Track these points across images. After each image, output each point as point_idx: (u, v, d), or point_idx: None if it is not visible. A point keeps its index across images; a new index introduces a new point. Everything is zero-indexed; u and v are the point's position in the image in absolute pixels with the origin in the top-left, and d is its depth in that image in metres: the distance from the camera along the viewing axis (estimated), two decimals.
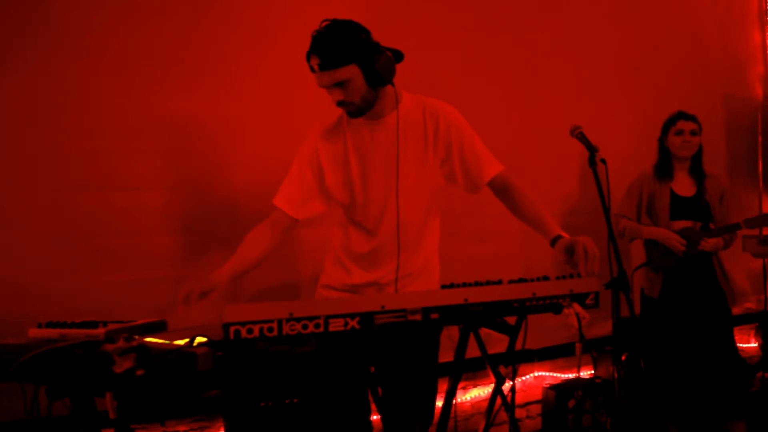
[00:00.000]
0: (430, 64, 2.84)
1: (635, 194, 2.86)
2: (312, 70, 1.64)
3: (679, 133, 2.80)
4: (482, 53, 3.05)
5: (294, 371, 1.55)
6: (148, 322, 1.78)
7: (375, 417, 1.91)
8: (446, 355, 1.89)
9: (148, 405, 1.30)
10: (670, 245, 2.72)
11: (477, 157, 1.78)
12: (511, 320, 1.82)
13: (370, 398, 1.88)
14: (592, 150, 1.98)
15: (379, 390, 1.87)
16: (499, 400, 2.10)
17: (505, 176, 1.81)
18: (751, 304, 3.93)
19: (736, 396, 2.76)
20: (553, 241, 1.65)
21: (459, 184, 1.83)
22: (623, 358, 2.85)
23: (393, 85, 1.73)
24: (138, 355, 1.25)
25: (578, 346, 2.92)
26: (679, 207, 2.80)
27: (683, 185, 2.84)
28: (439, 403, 1.88)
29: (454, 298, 1.44)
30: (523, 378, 3.18)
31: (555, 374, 3.24)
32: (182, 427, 2.38)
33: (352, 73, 1.61)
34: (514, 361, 1.83)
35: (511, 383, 1.88)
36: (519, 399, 3.14)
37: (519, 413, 3.15)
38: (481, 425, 2.20)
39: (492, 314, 1.49)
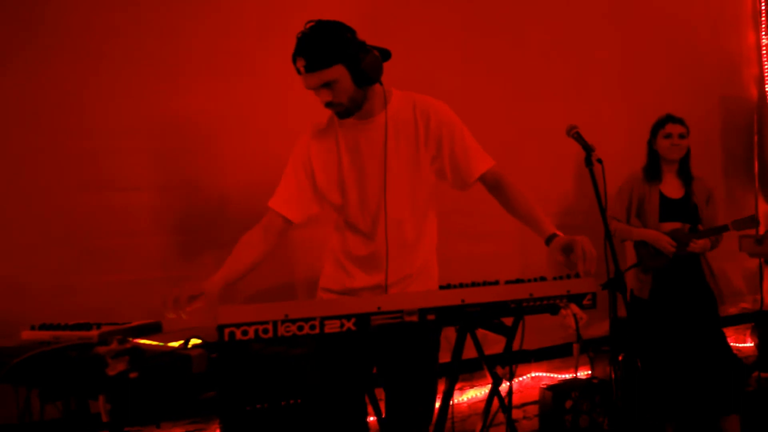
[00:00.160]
0: (429, 64, 2.85)
1: (625, 196, 2.90)
2: (298, 72, 1.62)
3: (668, 136, 2.84)
4: (480, 53, 3.05)
5: (289, 373, 1.55)
6: (143, 324, 1.77)
7: (371, 418, 1.90)
8: (443, 356, 1.88)
9: (142, 407, 1.29)
10: (661, 246, 2.76)
11: (467, 154, 1.76)
12: (508, 321, 1.82)
13: (367, 400, 1.87)
14: (588, 150, 1.97)
15: (376, 391, 1.86)
16: (496, 401, 2.10)
17: (496, 172, 1.79)
18: (747, 304, 3.93)
19: (729, 392, 2.78)
20: (548, 240, 1.64)
21: (448, 180, 1.81)
22: (620, 358, 2.85)
23: (381, 83, 1.71)
24: (131, 357, 1.24)
25: (576, 347, 2.92)
26: (668, 209, 2.84)
27: (672, 187, 2.89)
28: (437, 404, 1.87)
29: (451, 298, 1.43)
30: (520, 378, 3.18)
31: (552, 375, 3.24)
32: (178, 430, 2.36)
33: (338, 73, 1.59)
34: (511, 362, 1.82)
35: (509, 384, 1.87)
36: (516, 400, 3.14)
37: (516, 414, 3.14)
38: (478, 426, 2.20)
39: (489, 315, 1.47)
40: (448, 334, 1.95)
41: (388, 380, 1.78)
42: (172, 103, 2.42)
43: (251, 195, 2.43)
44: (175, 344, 1.48)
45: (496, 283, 1.52)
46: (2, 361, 1.41)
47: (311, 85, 1.62)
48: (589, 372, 3.23)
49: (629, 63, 3.49)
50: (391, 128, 1.73)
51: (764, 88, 4.07)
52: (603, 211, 1.96)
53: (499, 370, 2.03)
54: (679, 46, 3.69)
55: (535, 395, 3.14)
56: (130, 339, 1.50)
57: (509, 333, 1.77)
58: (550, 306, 1.52)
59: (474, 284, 1.50)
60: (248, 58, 2.53)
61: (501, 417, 2.10)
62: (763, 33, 4.06)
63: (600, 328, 3.06)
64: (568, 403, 2.93)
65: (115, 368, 1.20)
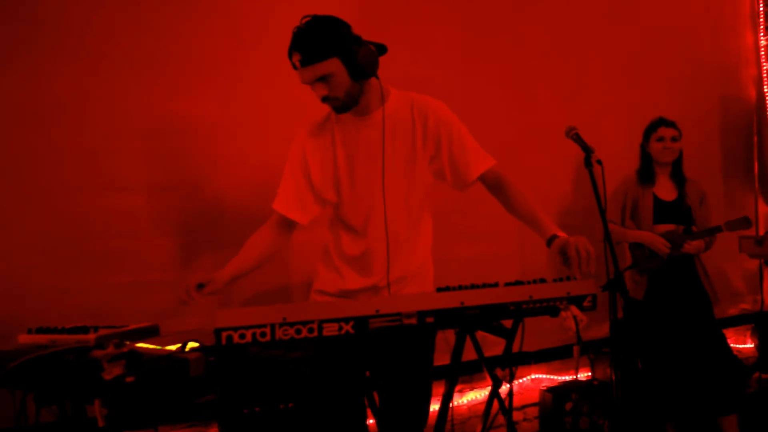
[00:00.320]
0: (428, 64, 2.84)
1: (619, 199, 2.91)
2: (294, 67, 1.62)
3: (661, 139, 2.87)
4: (479, 53, 3.04)
5: (288, 376, 1.54)
6: (140, 327, 1.77)
7: (371, 421, 1.89)
8: (443, 358, 1.87)
9: (139, 412, 1.28)
10: (656, 248, 2.78)
11: (466, 153, 1.75)
12: (508, 323, 1.81)
13: (366, 403, 1.86)
14: (587, 151, 1.96)
15: (374, 394, 1.85)
16: (496, 403, 2.09)
17: (497, 171, 1.78)
18: (747, 305, 3.93)
19: (727, 392, 2.79)
20: (549, 241, 1.62)
21: (447, 180, 1.80)
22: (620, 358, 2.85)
23: (378, 78, 1.70)
24: (128, 361, 1.23)
25: (576, 349, 2.92)
26: (662, 211, 2.87)
27: (665, 190, 2.91)
28: (436, 407, 1.86)
29: (450, 301, 1.42)
30: (520, 380, 3.17)
31: (552, 376, 3.23)
32: None
33: (333, 66, 1.59)
34: (510, 363, 1.81)
35: (509, 386, 1.86)
36: (516, 401, 3.13)
37: (516, 416, 3.13)
38: (478, 428, 2.18)
39: (488, 317, 1.47)
40: (448, 336, 1.94)
41: (382, 383, 1.77)
42: (170, 103, 2.41)
43: (250, 196, 2.44)
44: (173, 348, 1.47)
45: (496, 285, 1.50)
46: None
47: (307, 79, 1.62)
48: (590, 374, 3.22)
49: (629, 63, 3.49)
50: (388, 126, 1.72)
51: (763, 88, 4.07)
52: (602, 212, 1.95)
53: (499, 372, 2.01)
54: (678, 47, 3.69)
55: (535, 397, 3.13)
56: (127, 342, 1.48)
57: (509, 335, 1.76)
58: (549, 308, 1.51)
59: (473, 286, 1.49)
60: (246, 58, 2.52)
61: (501, 419, 2.08)
62: (762, 34, 4.06)
63: (600, 329, 3.05)
64: (569, 405, 2.92)
65: (112, 372, 1.19)
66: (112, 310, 2.19)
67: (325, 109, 1.76)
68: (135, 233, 2.37)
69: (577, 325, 1.50)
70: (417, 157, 1.74)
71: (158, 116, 2.41)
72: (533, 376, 3.20)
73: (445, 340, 1.97)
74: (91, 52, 2.29)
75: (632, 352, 2.80)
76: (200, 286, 1.69)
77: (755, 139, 4.04)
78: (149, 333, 1.78)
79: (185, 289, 1.67)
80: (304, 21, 1.60)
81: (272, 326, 1.31)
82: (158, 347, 1.49)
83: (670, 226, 2.84)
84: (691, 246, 2.78)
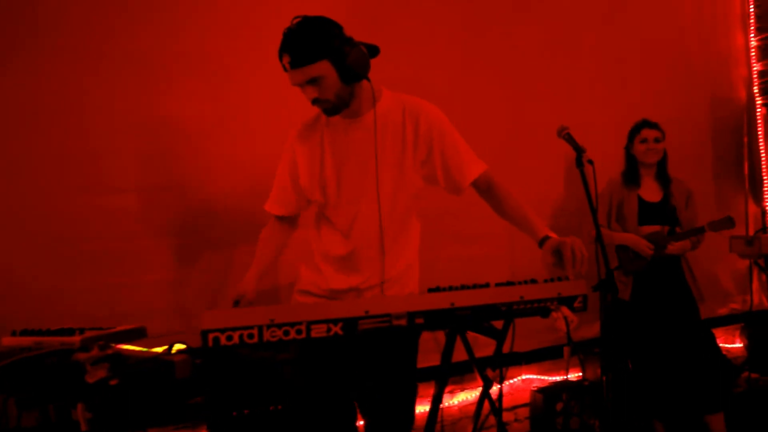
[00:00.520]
0: (420, 65, 2.84)
1: (605, 202, 2.93)
2: (284, 68, 1.60)
3: (644, 141, 2.90)
4: (472, 54, 3.05)
5: (277, 378, 1.52)
6: (127, 329, 1.73)
7: (361, 423, 1.88)
8: (433, 359, 1.86)
9: (124, 415, 1.25)
10: (639, 250, 2.81)
11: (459, 158, 1.75)
12: (498, 324, 1.80)
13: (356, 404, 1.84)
14: (579, 151, 1.96)
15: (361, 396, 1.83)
16: (486, 404, 2.08)
17: (489, 176, 1.78)
18: (736, 305, 3.95)
19: (714, 390, 2.81)
20: (541, 242, 1.62)
21: (440, 185, 1.79)
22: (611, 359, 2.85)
23: (369, 81, 1.69)
24: (112, 364, 1.21)
25: (566, 350, 2.92)
26: (647, 212, 2.89)
27: (650, 191, 2.93)
28: (426, 408, 1.85)
29: (440, 302, 1.41)
30: (511, 381, 3.17)
31: (543, 377, 3.23)
32: None
33: (324, 69, 1.57)
34: (501, 364, 1.80)
35: (499, 388, 1.86)
36: (507, 402, 3.12)
37: (507, 416, 3.13)
38: (469, 429, 2.18)
39: (479, 318, 1.46)
40: (438, 336, 1.93)
41: (367, 384, 1.75)
42: (161, 104, 2.40)
43: (242, 196, 2.42)
44: (159, 350, 1.45)
45: (486, 285, 1.49)
46: None
47: (297, 81, 1.60)
48: (580, 374, 3.22)
49: (621, 64, 3.49)
50: (379, 128, 1.71)
51: (753, 89, 4.09)
52: (594, 212, 1.95)
53: (490, 373, 2.00)
54: (669, 48, 3.71)
55: (526, 398, 3.12)
56: (113, 345, 1.46)
57: (499, 336, 1.75)
58: (540, 309, 1.50)
59: (464, 287, 1.48)
60: (238, 59, 2.51)
61: (492, 420, 2.08)
62: (752, 35, 4.09)
63: (591, 329, 3.06)
64: (559, 406, 2.92)
65: (95, 375, 1.16)
66: (104, 312, 2.19)
67: (316, 109, 1.74)
68: (126, 234, 2.36)
69: (567, 325, 1.49)
70: (406, 161, 1.73)
71: (150, 117, 2.39)
72: (524, 377, 3.20)
73: (435, 340, 1.96)
74: (86, 53, 2.28)
75: (622, 352, 2.82)
76: (236, 304, 1.72)
77: (745, 139, 4.06)
78: (136, 335, 1.75)
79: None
80: (294, 22, 1.58)
81: (260, 328, 1.29)
82: (144, 349, 1.47)
83: (655, 228, 2.86)
84: (675, 247, 2.81)
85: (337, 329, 1.33)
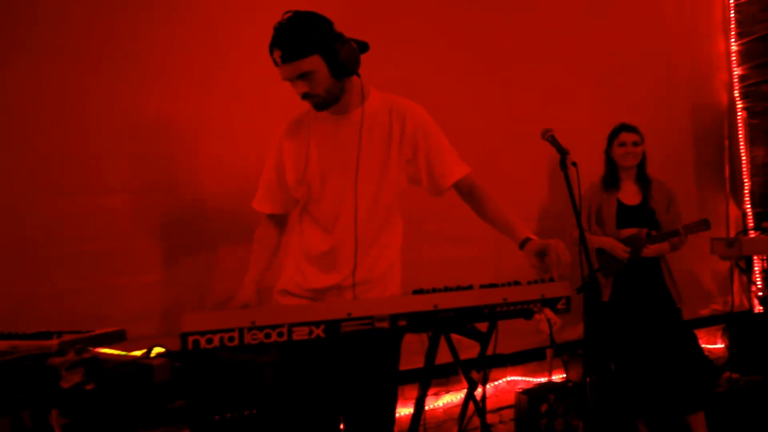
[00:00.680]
0: (405, 67, 2.83)
1: (585, 205, 2.96)
2: (275, 63, 1.60)
3: (622, 144, 2.93)
4: (456, 57, 3.05)
5: (258, 381, 1.51)
6: (106, 332, 1.70)
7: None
8: (418, 361, 1.86)
9: (101, 420, 1.23)
10: (615, 253, 2.84)
11: (443, 159, 1.76)
12: (482, 325, 1.80)
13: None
14: (563, 153, 1.98)
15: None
16: (471, 406, 2.07)
17: (471, 179, 1.79)
18: (718, 306, 4.00)
19: (695, 390, 2.84)
20: (522, 244, 1.63)
21: (423, 185, 1.80)
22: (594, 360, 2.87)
23: (359, 77, 1.69)
24: (88, 368, 1.18)
25: (549, 352, 2.94)
26: (625, 215, 2.92)
27: (629, 194, 2.96)
28: (410, 410, 1.84)
29: (423, 304, 1.40)
30: (496, 383, 3.17)
31: (527, 378, 3.23)
32: None
33: (315, 63, 1.58)
34: (484, 367, 1.80)
35: (482, 390, 1.85)
36: (492, 404, 3.13)
37: (492, 418, 3.13)
38: (454, 431, 2.17)
39: (462, 320, 1.45)
40: (424, 338, 1.92)
41: (349, 386, 1.74)
42: (150, 104, 2.37)
43: (232, 197, 2.40)
44: (138, 353, 1.42)
45: (470, 287, 1.49)
46: None
47: (287, 75, 1.60)
48: (564, 375, 3.24)
49: (605, 69, 3.52)
50: (366, 126, 1.71)
51: (734, 93, 4.15)
52: (577, 213, 1.97)
53: (475, 375, 2.00)
54: (652, 52, 3.74)
55: (511, 399, 3.13)
56: (91, 349, 1.43)
57: (483, 338, 1.75)
58: (524, 311, 1.50)
59: (447, 289, 1.47)
60: (228, 59, 2.49)
61: (477, 421, 2.08)
62: (733, 40, 4.15)
63: (575, 331, 3.08)
64: (544, 407, 2.93)
65: (70, 380, 1.14)
66: (90, 314, 2.14)
67: (306, 106, 1.74)
68: (109, 236, 2.31)
69: (550, 327, 1.50)
70: (392, 160, 1.73)
71: (140, 117, 2.36)
72: (509, 378, 3.21)
73: (421, 342, 1.95)
74: (68, 52, 2.24)
75: (605, 354, 2.84)
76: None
77: (726, 143, 4.12)
78: (116, 338, 1.72)
79: None
80: (285, 17, 1.59)
81: (240, 330, 1.27)
82: (122, 353, 1.44)
83: (634, 230, 2.88)
84: (650, 250, 2.83)
85: (319, 332, 1.32)
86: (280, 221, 1.92)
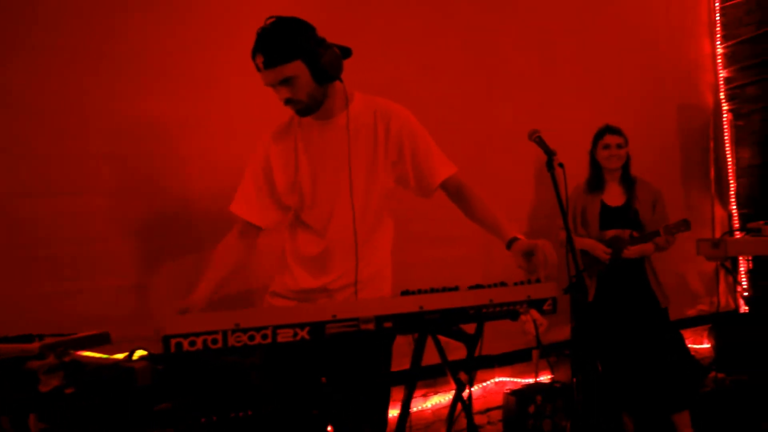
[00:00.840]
0: (392, 68, 2.83)
1: (570, 207, 2.98)
2: (258, 68, 1.60)
3: (606, 147, 2.96)
4: (442, 58, 3.05)
5: (244, 383, 1.49)
6: (90, 335, 1.68)
7: (330, 428, 1.85)
8: (407, 362, 1.85)
9: (82, 425, 1.21)
10: (596, 254, 2.87)
11: (429, 159, 1.76)
12: (468, 327, 1.79)
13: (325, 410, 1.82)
14: (549, 154, 1.98)
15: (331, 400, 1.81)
16: (459, 407, 2.07)
17: (458, 179, 1.79)
18: (704, 306, 4.03)
19: (680, 389, 2.86)
20: (509, 244, 1.63)
21: (411, 187, 1.80)
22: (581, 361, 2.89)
23: (342, 81, 1.69)
24: (68, 371, 1.16)
25: (535, 353, 2.95)
26: (609, 217, 2.95)
27: (613, 195, 2.99)
28: (397, 412, 1.83)
29: (409, 305, 1.39)
30: (484, 384, 3.17)
31: (516, 379, 3.24)
32: None
33: (297, 69, 1.58)
34: (471, 368, 1.79)
35: (468, 392, 1.85)
36: (480, 405, 3.13)
37: (480, 419, 3.13)
38: None
39: (448, 322, 1.44)
40: (411, 339, 1.92)
41: (338, 389, 1.73)
42: (132, 104, 2.35)
43: (213, 199, 2.38)
44: (120, 356, 1.40)
45: (456, 288, 1.48)
46: None
47: (270, 81, 1.60)
48: (552, 376, 3.25)
49: (592, 70, 3.55)
50: (351, 129, 1.71)
51: (719, 95, 4.19)
52: (564, 214, 1.97)
53: (463, 376, 2.00)
54: (640, 55, 3.77)
55: (499, 400, 3.13)
56: (72, 351, 1.41)
57: (469, 340, 1.75)
58: (510, 312, 1.50)
59: (433, 290, 1.47)
60: (207, 57, 2.47)
61: (465, 423, 2.07)
62: (718, 42, 4.19)
63: (562, 332, 3.08)
64: (532, 408, 2.93)
65: (48, 384, 1.12)
66: (68, 318, 2.11)
67: (290, 111, 1.73)
68: (87, 238, 2.29)
69: (536, 328, 1.50)
70: (378, 162, 1.73)
71: (120, 117, 2.33)
72: (497, 379, 3.21)
73: (408, 344, 1.94)
74: (45, 50, 2.21)
75: (591, 354, 2.85)
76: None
77: (711, 144, 4.16)
78: (99, 341, 1.70)
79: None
80: (268, 22, 1.58)
81: (224, 333, 1.26)
82: (104, 356, 1.42)
83: (618, 231, 2.90)
84: (631, 251, 2.84)
85: (303, 334, 1.30)
86: (252, 235, 1.82)
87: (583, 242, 2.91)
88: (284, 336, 1.29)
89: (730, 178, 4.17)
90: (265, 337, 1.28)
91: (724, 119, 4.18)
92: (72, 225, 2.26)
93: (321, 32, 1.65)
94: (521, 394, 2.98)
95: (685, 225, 2.85)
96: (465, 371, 1.98)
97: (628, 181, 2.97)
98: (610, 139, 2.94)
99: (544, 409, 2.95)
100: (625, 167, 2.97)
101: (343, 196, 1.71)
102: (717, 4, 4.19)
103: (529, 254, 1.58)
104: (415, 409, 2.92)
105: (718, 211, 4.15)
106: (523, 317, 1.50)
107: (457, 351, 1.99)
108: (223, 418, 1.55)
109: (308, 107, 1.65)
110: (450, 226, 2.77)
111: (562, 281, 1.93)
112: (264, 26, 1.58)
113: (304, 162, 1.73)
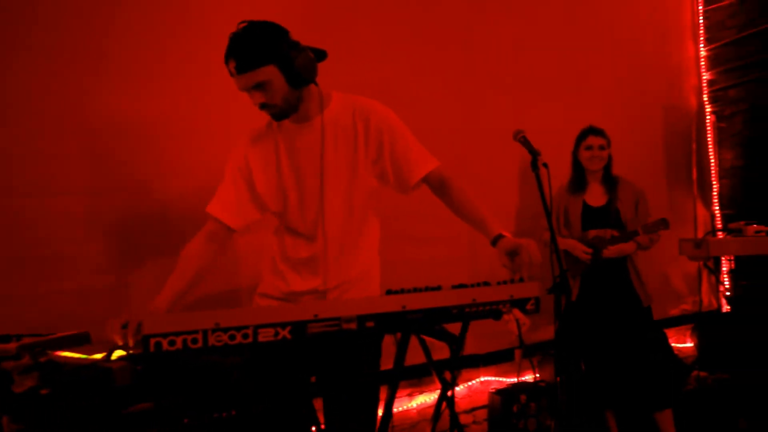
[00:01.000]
0: (374, 68, 2.82)
1: (554, 208, 2.99)
2: (231, 74, 1.58)
3: (589, 148, 2.97)
4: (428, 57, 3.05)
5: (227, 383, 1.48)
6: (69, 334, 1.67)
7: (313, 429, 1.85)
8: (392, 362, 1.85)
9: (57, 426, 1.19)
10: (577, 254, 2.89)
11: (408, 156, 1.73)
12: (454, 326, 1.79)
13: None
14: (534, 154, 1.99)
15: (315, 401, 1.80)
16: (444, 407, 2.07)
17: (441, 173, 1.76)
18: (687, 306, 4.07)
19: (662, 388, 2.88)
20: (494, 240, 1.61)
21: (390, 183, 1.77)
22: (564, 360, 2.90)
23: (317, 84, 1.68)
24: (44, 372, 1.14)
25: (518, 353, 2.95)
26: (591, 217, 2.96)
27: (595, 196, 3.01)
28: (380, 412, 1.83)
29: (392, 305, 1.39)
30: (469, 383, 3.18)
31: (501, 379, 3.25)
32: None
33: (270, 73, 1.56)
34: (454, 368, 1.80)
35: (451, 392, 1.85)
36: (465, 404, 3.13)
37: (465, 419, 3.14)
38: (427, 431, 2.17)
39: (431, 321, 1.44)
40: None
41: (326, 389, 1.73)
42: (111, 103, 2.32)
43: (194, 199, 2.33)
44: (98, 356, 1.38)
45: (439, 288, 1.48)
46: None
47: (243, 86, 1.58)
48: (537, 375, 3.26)
49: (577, 71, 3.56)
50: (330, 131, 1.70)
51: (703, 97, 4.24)
52: (548, 214, 1.98)
53: (448, 376, 2.00)
54: (624, 57, 3.80)
55: (484, 400, 3.14)
56: (50, 352, 1.39)
57: (451, 339, 1.75)
58: (492, 311, 1.50)
59: (416, 290, 1.47)
60: (192, 58, 2.44)
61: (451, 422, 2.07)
62: (702, 45, 4.23)
63: (548, 331, 3.09)
64: (516, 407, 2.94)
65: (22, 385, 1.10)
66: (47, 319, 2.07)
67: (267, 117, 1.71)
68: (66, 239, 2.25)
69: (519, 328, 1.50)
70: (359, 162, 1.72)
71: (99, 116, 2.30)
72: (482, 379, 3.22)
73: (395, 343, 1.93)
74: (22, 47, 2.17)
75: (575, 354, 2.87)
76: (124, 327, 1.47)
77: (694, 146, 4.20)
78: (79, 341, 1.68)
79: (119, 327, 1.45)
80: (240, 26, 1.57)
81: (204, 332, 1.25)
82: (83, 356, 1.40)
83: (599, 231, 2.92)
84: (611, 251, 2.86)
85: (285, 333, 1.30)
86: (221, 238, 1.77)
87: (565, 242, 2.93)
88: (265, 335, 1.29)
89: (713, 179, 4.22)
90: (246, 336, 1.27)
91: (707, 121, 4.23)
92: (52, 225, 2.23)
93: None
94: (506, 394, 2.99)
95: (663, 224, 2.87)
96: (450, 371, 1.98)
97: (609, 182, 2.99)
98: (593, 140, 2.96)
99: (528, 408, 2.96)
100: (607, 168, 2.99)
101: (328, 198, 1.70)
102: (700, 8, 4.24)
103: (513, 253, 1.56)
104: (400, 409, 2.92)
105: (701, 211, 4.20)
106: (506, 317, 1.50)
107: (442, 350, 2.00)
108: (207, 419, 1.53)
109: (283, 111, 1.63)
110: (435, 225, 2.78)
111: (546, 281, 1.93)
112: (236, 31, 1.56)
113: (286, 166, 1.72)
